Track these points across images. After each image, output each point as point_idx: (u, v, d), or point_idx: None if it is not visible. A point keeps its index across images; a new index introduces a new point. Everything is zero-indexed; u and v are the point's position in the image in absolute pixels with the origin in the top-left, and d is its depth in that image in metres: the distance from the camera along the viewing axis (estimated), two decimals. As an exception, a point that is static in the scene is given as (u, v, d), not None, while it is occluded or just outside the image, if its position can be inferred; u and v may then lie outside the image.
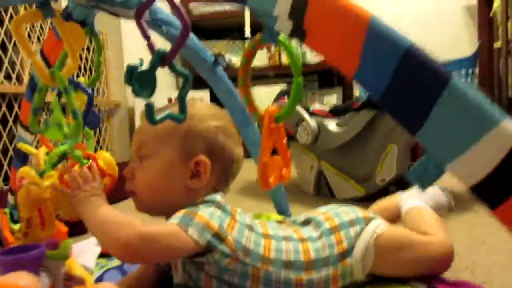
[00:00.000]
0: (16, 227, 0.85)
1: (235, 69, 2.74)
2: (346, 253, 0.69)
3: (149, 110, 0.48)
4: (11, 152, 1.32)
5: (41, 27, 1.54)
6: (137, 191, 0.69)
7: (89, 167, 0.68)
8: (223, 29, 2.99)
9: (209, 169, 0.68)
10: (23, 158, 0.88)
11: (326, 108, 1.51)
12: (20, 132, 0.85)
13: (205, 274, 0.64)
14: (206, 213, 0.62)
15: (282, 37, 0.39)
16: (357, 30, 0.31)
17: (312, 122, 1.39)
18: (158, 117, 0.49)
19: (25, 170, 0.67)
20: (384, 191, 1.35)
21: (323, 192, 1.50)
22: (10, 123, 1.35)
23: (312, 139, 1.39)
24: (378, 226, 0.72)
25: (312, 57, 2.71)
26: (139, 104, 2.20)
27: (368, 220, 0.73)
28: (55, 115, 0.52)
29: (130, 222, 0.59)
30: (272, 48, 2.82)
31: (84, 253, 0.88)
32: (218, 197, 0.68)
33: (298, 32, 0.36)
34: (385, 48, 0.30)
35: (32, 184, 0.65)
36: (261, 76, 2.82)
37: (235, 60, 2.76)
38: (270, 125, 0.40)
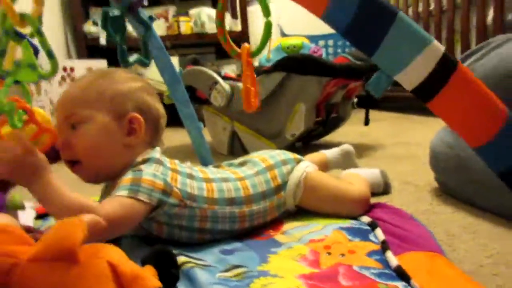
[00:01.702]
0: None
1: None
2: (280, 187, 0.81)
3: (122, 53, 0.53)
4: None
5: None
6: (79, 158, 0.70)
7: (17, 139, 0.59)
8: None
9: (142, 124, 0.73)
10: None
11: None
12: None
13: (155, 222, 0.70)
14: (149, 175, 0.67)
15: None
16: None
17: (225, 84, 1.48)
18: (130, 59, 0.53)
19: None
20: (292, 147, 1.52)
21: (237, 152, 1.61)
22: None
23: (226, 101, 1.48)
24: (308, 166, 0.85)
25: (211, 28, 2.76)
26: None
27: (298, 160, 0.86)
28: (27, 56, 0.53)
29: (88, 210, 0.58)
30: (170, 17, 2.80)
31: (21, 213, 0.87)
32: (156, 153, 0.73)
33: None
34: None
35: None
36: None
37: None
38: (248, 59, 0.48)
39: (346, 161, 1.04)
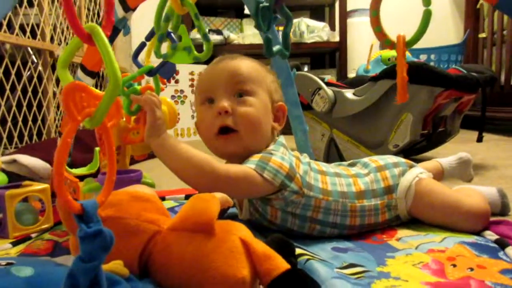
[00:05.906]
0: (76, 170, 0.88)
1: (233, 44, 2.78)
2: (391, 189, 0.78)
3: (268, 43, 0.54)
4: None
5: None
6: (239, 126, 0.71)
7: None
8: (218, 6, 3.02)
9: (286, 114, 0.78)
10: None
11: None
12: (80, 75, 0.88)
13: (271, 207, 0.72)
14: (278, 157, 0.70)
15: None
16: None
17: (329, 90, 1.47)
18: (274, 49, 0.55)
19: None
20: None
21: (333, 159, 1.59)
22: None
23: (329, 107, 1.47)
24: (422, 173, 0.81)
25: (308, 38, 2.78)
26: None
27: (410, 165, 0.83)
28: (183, 40, 0.57)
29: (211, 164, 0.64)
30: (270, 26, 2.86)
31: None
32: (282, 139, 0.76)
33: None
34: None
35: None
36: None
37: (234, 36, 2.79)
38: (404, 48, 0.47)
39: (462, 171, 0.97)
